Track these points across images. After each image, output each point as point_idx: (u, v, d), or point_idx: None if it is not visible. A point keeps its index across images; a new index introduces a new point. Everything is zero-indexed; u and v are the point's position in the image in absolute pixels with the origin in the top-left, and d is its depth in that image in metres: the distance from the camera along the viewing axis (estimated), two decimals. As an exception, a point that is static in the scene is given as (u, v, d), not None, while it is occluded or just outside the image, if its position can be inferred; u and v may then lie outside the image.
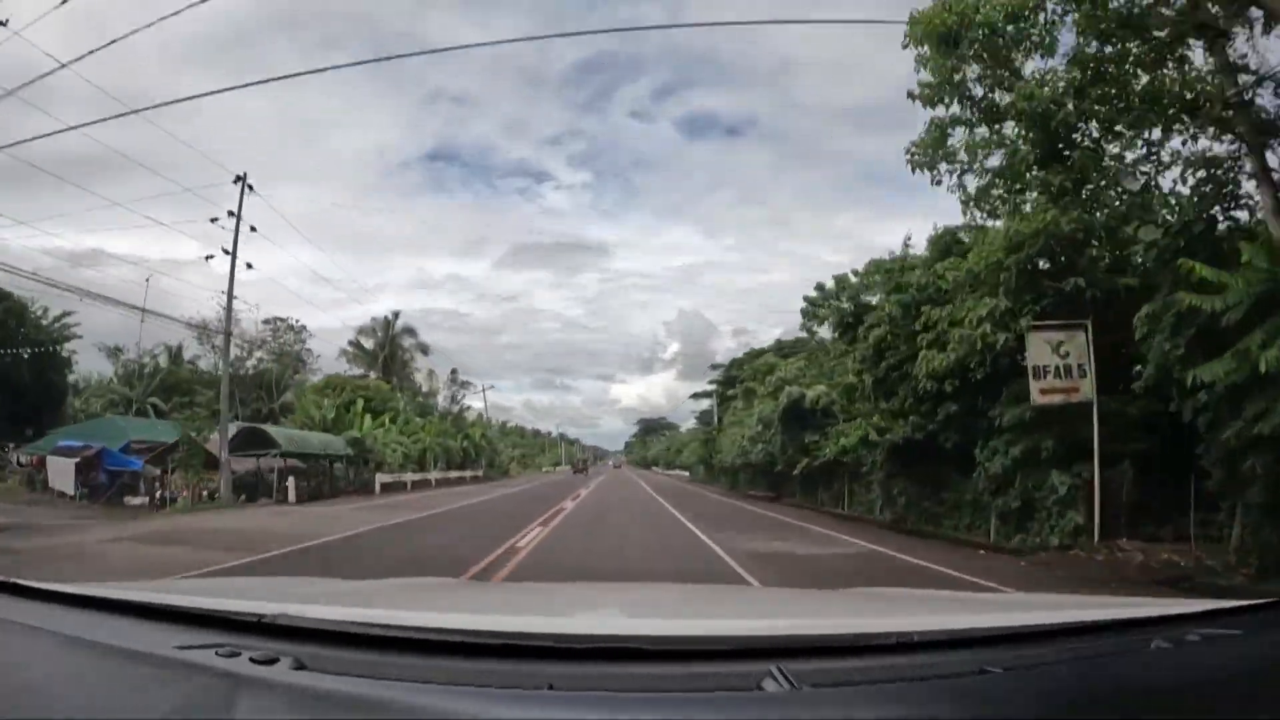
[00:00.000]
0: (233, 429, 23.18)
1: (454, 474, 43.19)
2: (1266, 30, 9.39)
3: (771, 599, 3.19)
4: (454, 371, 59.95)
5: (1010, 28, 10.29)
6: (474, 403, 64.68)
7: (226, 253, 22.23)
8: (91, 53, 12.35)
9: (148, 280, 27.03)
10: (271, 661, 1.10)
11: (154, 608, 1.38)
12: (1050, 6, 10.28)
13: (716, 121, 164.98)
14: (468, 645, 1.18)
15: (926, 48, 10.65)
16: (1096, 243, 12.04)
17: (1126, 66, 10.27)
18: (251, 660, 1.10)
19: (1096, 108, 10.65)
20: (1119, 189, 11.76)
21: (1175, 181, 10.86)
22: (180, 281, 74.46)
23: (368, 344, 50.35)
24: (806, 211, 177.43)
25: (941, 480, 14.77)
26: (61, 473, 19.81)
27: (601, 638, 1.25)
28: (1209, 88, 9.97)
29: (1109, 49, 10.22)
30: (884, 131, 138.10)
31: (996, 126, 11.87)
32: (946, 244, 15.37)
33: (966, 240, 14.52)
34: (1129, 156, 11.54)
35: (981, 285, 12.68)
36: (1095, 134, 11.51)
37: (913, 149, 12.10)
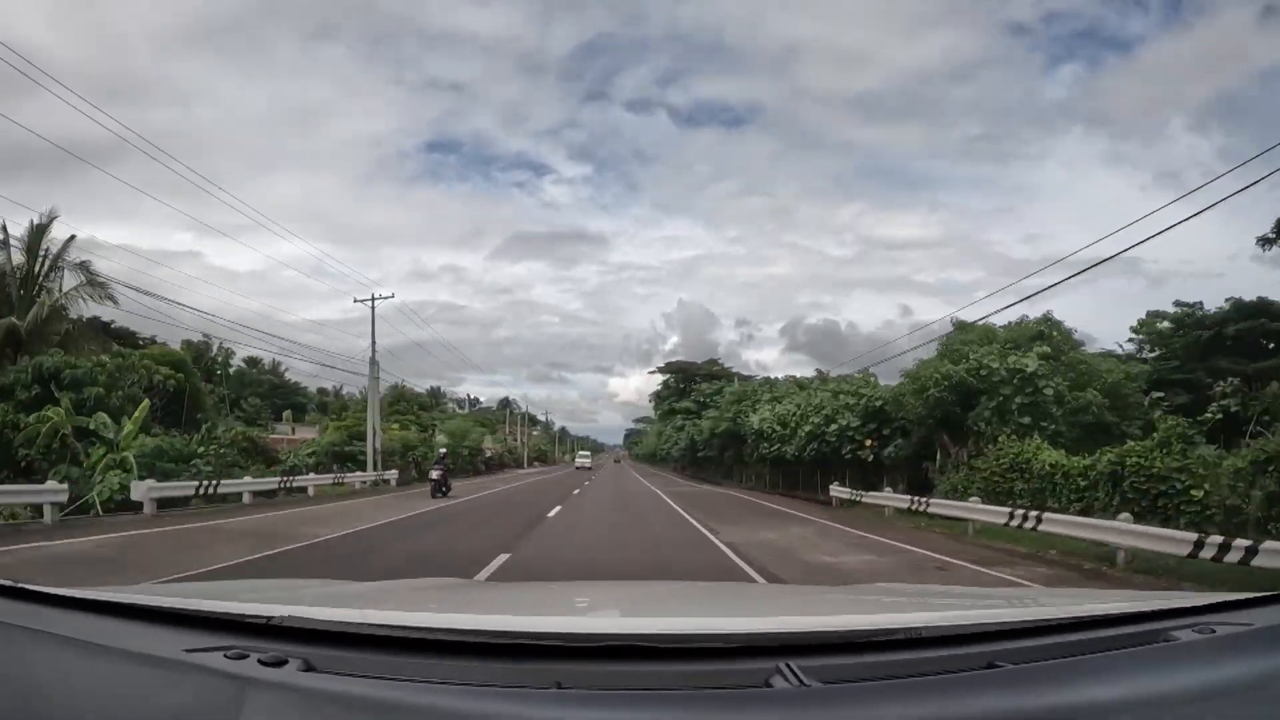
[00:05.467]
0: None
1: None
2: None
3: (779, 595, 3.20)
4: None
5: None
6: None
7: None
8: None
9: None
10: (280, 663, 1.10)
11: (161, 611, 1.38)
12: None
13: (719, 111, 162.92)
14: (476, 645, 1.18)
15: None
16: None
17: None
18: (260, 662, 1.10)
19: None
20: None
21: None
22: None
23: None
24: (810, 204, 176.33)
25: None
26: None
27: (609, 636, 1.24)
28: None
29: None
30: (887, 123, 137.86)
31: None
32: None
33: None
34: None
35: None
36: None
37: None
